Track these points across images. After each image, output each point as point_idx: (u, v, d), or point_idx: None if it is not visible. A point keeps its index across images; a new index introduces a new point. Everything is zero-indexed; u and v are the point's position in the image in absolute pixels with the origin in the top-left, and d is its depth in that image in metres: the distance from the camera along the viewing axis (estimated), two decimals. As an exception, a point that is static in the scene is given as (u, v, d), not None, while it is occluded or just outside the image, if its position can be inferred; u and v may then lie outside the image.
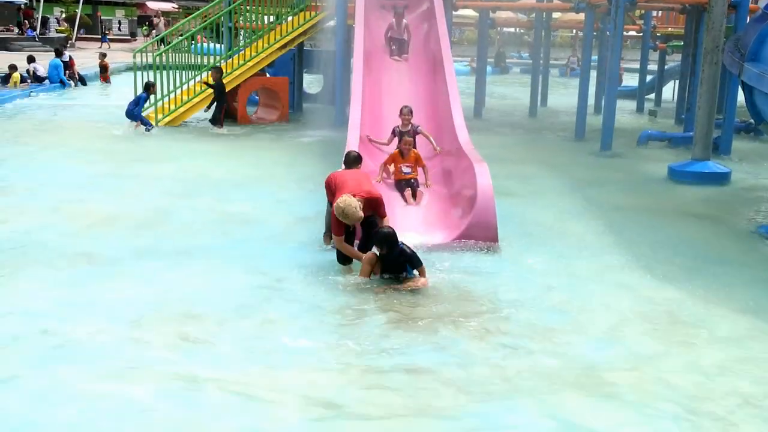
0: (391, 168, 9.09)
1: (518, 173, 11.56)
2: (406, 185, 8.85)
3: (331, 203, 7.04)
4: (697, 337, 5.66)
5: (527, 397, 4.63)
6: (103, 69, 25.02)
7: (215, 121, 15.04)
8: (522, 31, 47.15)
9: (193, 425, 4.22)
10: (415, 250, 6.73)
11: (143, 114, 14.66)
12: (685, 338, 5.62)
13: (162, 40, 18.34)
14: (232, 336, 5.42)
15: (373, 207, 6.84)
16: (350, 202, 6.52)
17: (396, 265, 6.63)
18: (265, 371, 4.88)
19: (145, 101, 14.75)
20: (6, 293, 6.11)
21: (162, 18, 48.13)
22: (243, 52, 16.18)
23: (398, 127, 9.90)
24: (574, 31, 38.38)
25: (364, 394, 4.62)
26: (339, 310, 5.99)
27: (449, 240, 7.76)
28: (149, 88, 14.74)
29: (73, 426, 4.14)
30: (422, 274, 6.61)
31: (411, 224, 8.12)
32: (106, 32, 45.28)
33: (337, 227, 6.71)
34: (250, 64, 15.79)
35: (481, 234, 7.69)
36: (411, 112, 9.85)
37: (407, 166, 8.93)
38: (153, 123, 14.65)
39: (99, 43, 42.14)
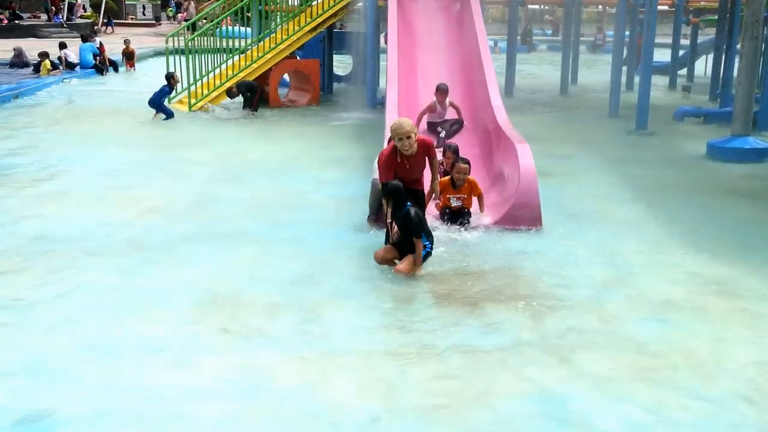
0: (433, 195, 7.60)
1: (554, 153, 11.49)
2: (455, 217, 7.65)
3: (375, 185, 7.07)
4: (756, 314, 5.63)
5: (587, 380, 4.64)
6: (129, 56, 24.52)
7: (249, 104, 15.09)
8: (547, 8, 46.82)
9: (252, 413, 4.26)
10: (423, 220, 6.55)
11: (168, 104, 14.67)
12: (742, 316, 5.60)
13: (193, 26, 18.38)
14: (286, 321, 5.47)
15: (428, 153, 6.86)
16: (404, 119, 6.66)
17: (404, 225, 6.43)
18: (321, 356, 4.92)
19: (169, 93, 14.69)
20: (63, 282, 6.18)
21: (192, 1, 48.07)
22: (273, 35, 16.19)
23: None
24: (600, 6, 38.00)
25: (421, 378, 4.66)
26: (389, 291, 6.03)
27: (492, 222, 7.74)
28: (170, 79, 14.66)
29: (139, 416, 4.20)
30: (417, 247, 6.38)
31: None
32: (109, 17, 44.61)
33: (386, 170, 6.67)
34: (281, 47, 15.81)
35: (524, 216, 7.67)
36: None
37: (458, 198, 7.68)
38: (181, 110, 14.65)
39: (124, 28, 42.28)
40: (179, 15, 49.72)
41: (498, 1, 29.49)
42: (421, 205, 6.87)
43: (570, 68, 20.33)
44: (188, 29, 17.50)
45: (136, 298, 5.86)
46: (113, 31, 40.26)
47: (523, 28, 36.99)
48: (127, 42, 24.95)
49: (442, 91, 10.10)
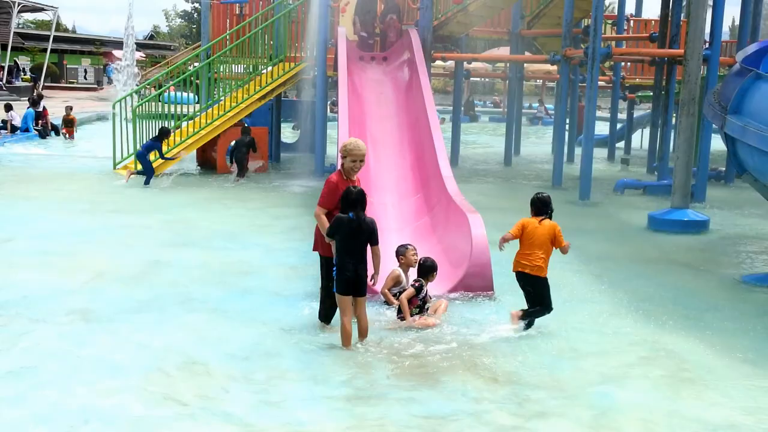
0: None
1: (500, 222, 11.50)
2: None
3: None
4: (704, 385, 5.75)
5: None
6: (69, 123, 22.98)
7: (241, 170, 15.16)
8: (488, 80, 48.20)
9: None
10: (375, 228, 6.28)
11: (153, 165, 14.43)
12: (692, 389, 5.70)
13: (137, 92, 18.36)
14: (242, 390, 5.38)
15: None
16: (360, 141, 6.56)
17: (357, 236, 6.15)
18: (280, 427, 4.84)
19: (158, 149, 14.33)
20: (8, 350, 5.98)
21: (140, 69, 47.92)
22: (222, 102, 16.26)
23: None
24: (540, 81, 39.28)
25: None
26: (345, 360, 5.99)
27: (444, 291, 7.80)
28: (163, 135, 14.43)
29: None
30: (374, 254, 6.26)
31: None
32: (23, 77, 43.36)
33: (328, 198, 6.42)
34: (230, 114, 15.86)
35: (477, 284, 7.78)
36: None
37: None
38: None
39: (65, 92, 41.84)
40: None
41: (442, 74, 30.23)
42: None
43: (513, 139, 20.84)
44: (135, 94, 17.46)
45: (85, 368, 5.69)
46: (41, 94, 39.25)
47: (466, 99, 37.92)
48: (68, 109, 23.62)
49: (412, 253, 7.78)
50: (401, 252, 7.66)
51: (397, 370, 5.81)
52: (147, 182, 14.11)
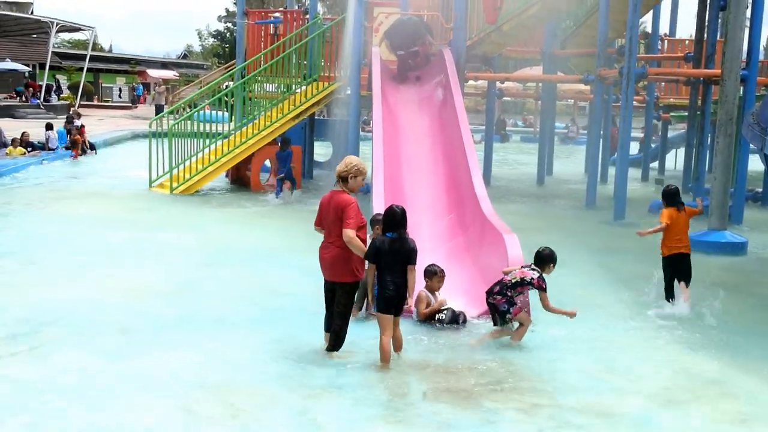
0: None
1: (534, 242, 11.41)
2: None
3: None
4: (748, 414, 5.65)
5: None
6: (74, 143, 21.87)
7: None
8: (519, 100, 48.11)
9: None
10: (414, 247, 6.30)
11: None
12: (732, 414, 5.61)
13: (172, 111, 18.57)
14: (280, 410, 5.39)
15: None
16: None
17: (398, 255, 6.20)
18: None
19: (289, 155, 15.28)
20: (44, 368, 6.05)
21: (163, 86, 48.58)
22: (256, 121, 16.40)
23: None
24: (572, 100, 39.11)
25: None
26: (382, 381, 5.98)
27: (478, 314, 7.78)
28: (287, 143, 15.38)
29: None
30: (410, 273, 6.23)
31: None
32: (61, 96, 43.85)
33: (357, 219, 6.33)
34: (264, 133, 15.99)
35: (513, 306, 7.71)
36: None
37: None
38: (163, 193, 14.76)
39: (101, 110, 42.46)
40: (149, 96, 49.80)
41: (473, 93, 30.24)
42: None
43: (546, 159, 20.76)
44: (170, 114, 17.67)
45: (124, 384, 5.74)
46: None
47: (497, 118, 37.86)
48: (75, 129, 22.47)
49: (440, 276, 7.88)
50: (434, 273, 7.66)
51: (435, 392, 5.79)
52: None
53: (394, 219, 6.29)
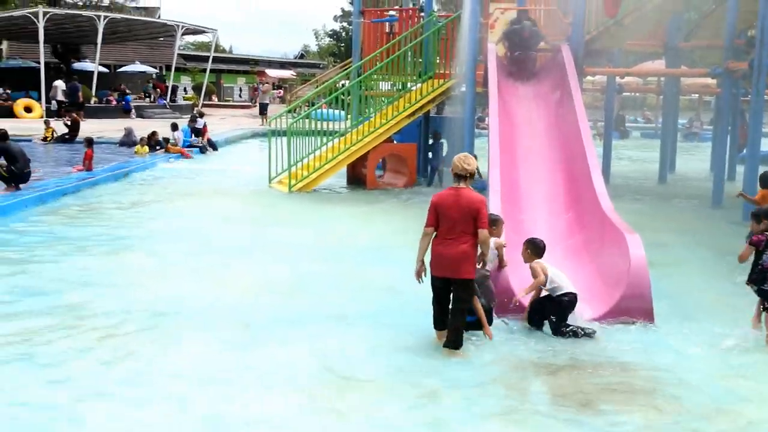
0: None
1: (657, 242, 11.17)
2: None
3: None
4: None
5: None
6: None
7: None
8: (639, 95, 46.64)
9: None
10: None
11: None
12: None
13: (290, 110, 18.99)
14: (399, 406, 5.42)
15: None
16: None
17: None
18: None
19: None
20: (169, 360, 6.30)
21: (269, 84, 49.49)
22: (372, 119, 16.56)
23: None
24: (696, 94, 37.63)
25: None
26: (499, 379, 5.95)
27: (598, 315, 7.57)
28: (437, 137, 16.60)
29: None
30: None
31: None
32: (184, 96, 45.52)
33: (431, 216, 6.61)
34: (380, 131, 16.13)
35: (634, 308, 7.47)
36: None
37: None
38: (281, 190, 15.14)
39: (222, 110, 43.91)
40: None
41: (590, 89, 29.54)
42: None
43: (668, 156, 20.02)
44: (288, 113, 18.08)
45: (246, 375, 5.92)
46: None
47: (616, 114, 36.85)
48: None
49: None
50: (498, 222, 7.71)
51: (554, 392, 5.69)
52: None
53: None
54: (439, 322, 6.69)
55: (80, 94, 34.41)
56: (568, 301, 7.21)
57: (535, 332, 7.18)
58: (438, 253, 6.53)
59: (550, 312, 7.23)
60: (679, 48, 18.80)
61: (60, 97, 33.70)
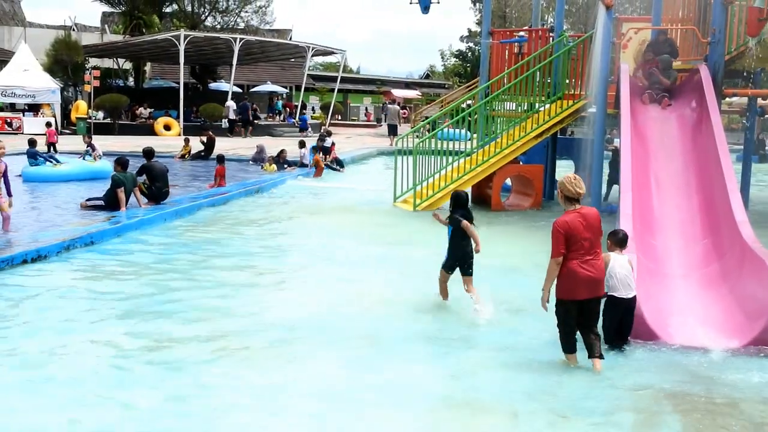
0: None
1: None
2: None
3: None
4: None
5: None
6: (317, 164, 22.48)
7: None
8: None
9: None
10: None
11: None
12: None
13: (417, 129, 19.13)
14: (528, 429, 5.33)
15: None
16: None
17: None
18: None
19: None
20: (303, 373, 6.44)
21: (396, 105, 50.13)
22: (498, 139, 16.45)
23: None
24: None
25: None
26: (632, 407, 5.77)
27: (738, 346, 7.22)
28: (616, 152, 16.19)
29: None
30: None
31: (691, 326, 7.69)
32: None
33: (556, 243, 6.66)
34: (506, 152, 16.01)
35: (778, 340, 7.09)
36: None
37: None
38: (406, 209, 15.23)
39: (348, 129, 44.76)
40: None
41: (727, 111, 28.34)
42: None
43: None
44: (414, 132, 18.23)
45: (370, 394, 5.96)
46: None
47: (756, 137, 35.13)
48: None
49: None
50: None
51: (688, 426, 5.44)
52: None
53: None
54: (573, 346, 6.63)
55: (249, 111, 37.60)
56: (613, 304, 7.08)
57: (661, 355, 6.92)
58: (582, 276, 6.53)
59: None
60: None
61: (231, 116, 36.36)
